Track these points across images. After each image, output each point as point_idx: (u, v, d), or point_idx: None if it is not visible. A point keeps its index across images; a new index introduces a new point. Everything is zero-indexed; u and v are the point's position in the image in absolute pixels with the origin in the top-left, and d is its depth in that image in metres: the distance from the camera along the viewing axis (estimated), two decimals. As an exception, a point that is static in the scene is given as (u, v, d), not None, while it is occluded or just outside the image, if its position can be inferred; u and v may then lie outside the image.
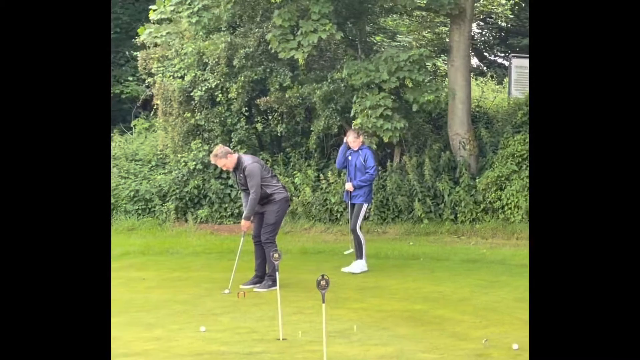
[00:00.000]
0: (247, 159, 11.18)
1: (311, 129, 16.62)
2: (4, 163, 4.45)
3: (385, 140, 14.82)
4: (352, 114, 15.08)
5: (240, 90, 16.63)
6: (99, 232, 4.60)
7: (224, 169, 11.39)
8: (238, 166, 11.14)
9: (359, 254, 12.27)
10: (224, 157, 11.16)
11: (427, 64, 15.60)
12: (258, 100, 16.72)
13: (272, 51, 15.38)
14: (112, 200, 17.79)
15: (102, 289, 4.57)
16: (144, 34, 17.90)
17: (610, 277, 4.55)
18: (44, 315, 4.43)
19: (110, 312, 4.50)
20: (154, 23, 18.05)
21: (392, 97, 15.05)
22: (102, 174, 4.68)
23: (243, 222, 11.22)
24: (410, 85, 14.78)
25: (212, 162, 11.54)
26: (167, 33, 17.82)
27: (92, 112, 4.69)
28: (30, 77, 4.54)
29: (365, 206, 12.23)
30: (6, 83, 4.48)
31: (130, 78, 23.22)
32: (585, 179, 4.66)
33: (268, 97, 16.56)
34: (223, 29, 17.15)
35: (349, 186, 12.31)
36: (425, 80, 14.91)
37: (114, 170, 18.63)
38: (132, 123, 21.60)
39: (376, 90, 14.88)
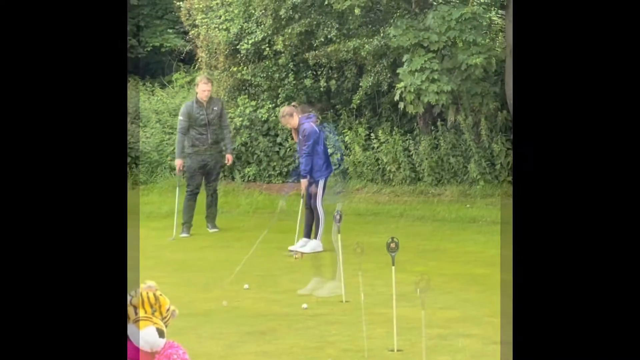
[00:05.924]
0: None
1: (360, 84, 16.76)
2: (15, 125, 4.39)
3: (433, 102, 14.88)
4: (399, 75, 15.11)
5: (287, 43, 16.80)
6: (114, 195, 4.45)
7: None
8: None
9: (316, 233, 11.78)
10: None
11: (481, 22, 15.45)
12: (307, 54, 16.83)
13: (325, 2, 15.48)
14: (157, 157, 18.16)
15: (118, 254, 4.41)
16: None
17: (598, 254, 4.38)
18: (53, 282, 4.19)
19: (126, 282, 4.39)
20: None
21: (442, 55, 15.04)
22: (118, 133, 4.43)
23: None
24: (461, 45, 14.74)
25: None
26: None
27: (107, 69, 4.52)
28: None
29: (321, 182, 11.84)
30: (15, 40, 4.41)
31: (169, 31, 23.45)
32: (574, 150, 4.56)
33: (317, 51, 16.67)
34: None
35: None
36: (478, 40, 14.76)
37: (157, 126, 18.94)
38: (174, 77, 21.88)
39: (422, 52, 14.87)
